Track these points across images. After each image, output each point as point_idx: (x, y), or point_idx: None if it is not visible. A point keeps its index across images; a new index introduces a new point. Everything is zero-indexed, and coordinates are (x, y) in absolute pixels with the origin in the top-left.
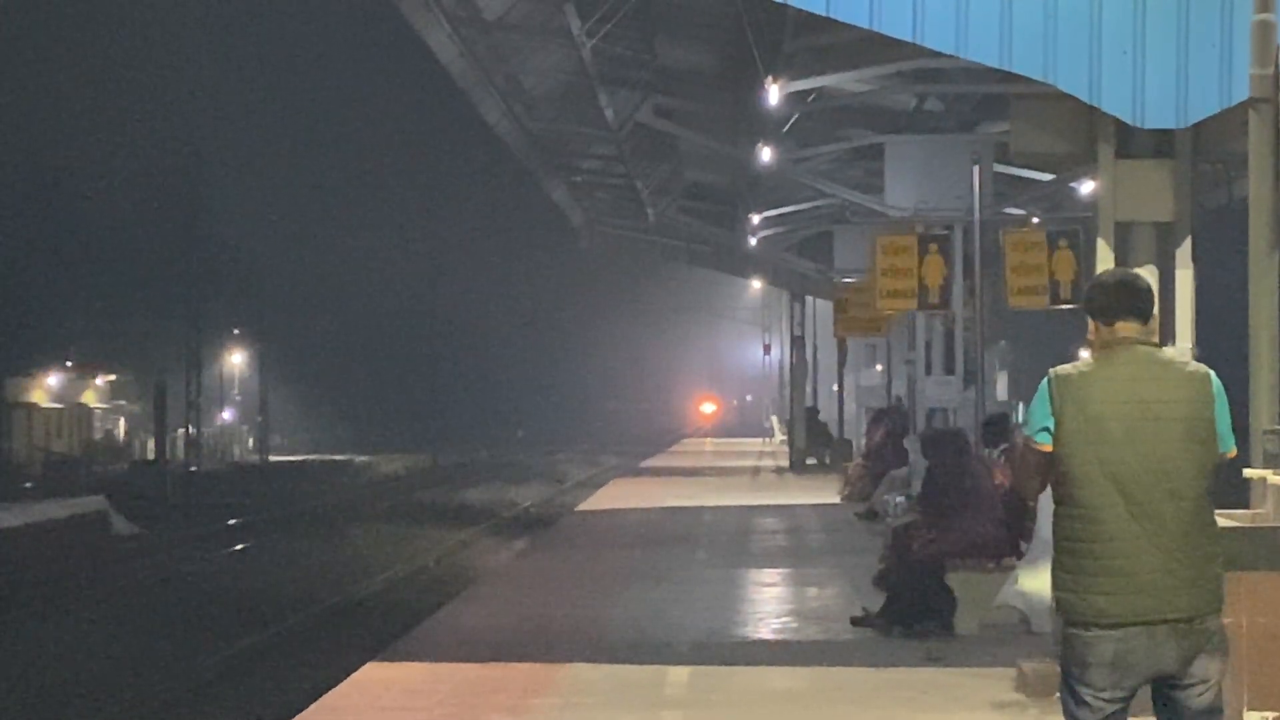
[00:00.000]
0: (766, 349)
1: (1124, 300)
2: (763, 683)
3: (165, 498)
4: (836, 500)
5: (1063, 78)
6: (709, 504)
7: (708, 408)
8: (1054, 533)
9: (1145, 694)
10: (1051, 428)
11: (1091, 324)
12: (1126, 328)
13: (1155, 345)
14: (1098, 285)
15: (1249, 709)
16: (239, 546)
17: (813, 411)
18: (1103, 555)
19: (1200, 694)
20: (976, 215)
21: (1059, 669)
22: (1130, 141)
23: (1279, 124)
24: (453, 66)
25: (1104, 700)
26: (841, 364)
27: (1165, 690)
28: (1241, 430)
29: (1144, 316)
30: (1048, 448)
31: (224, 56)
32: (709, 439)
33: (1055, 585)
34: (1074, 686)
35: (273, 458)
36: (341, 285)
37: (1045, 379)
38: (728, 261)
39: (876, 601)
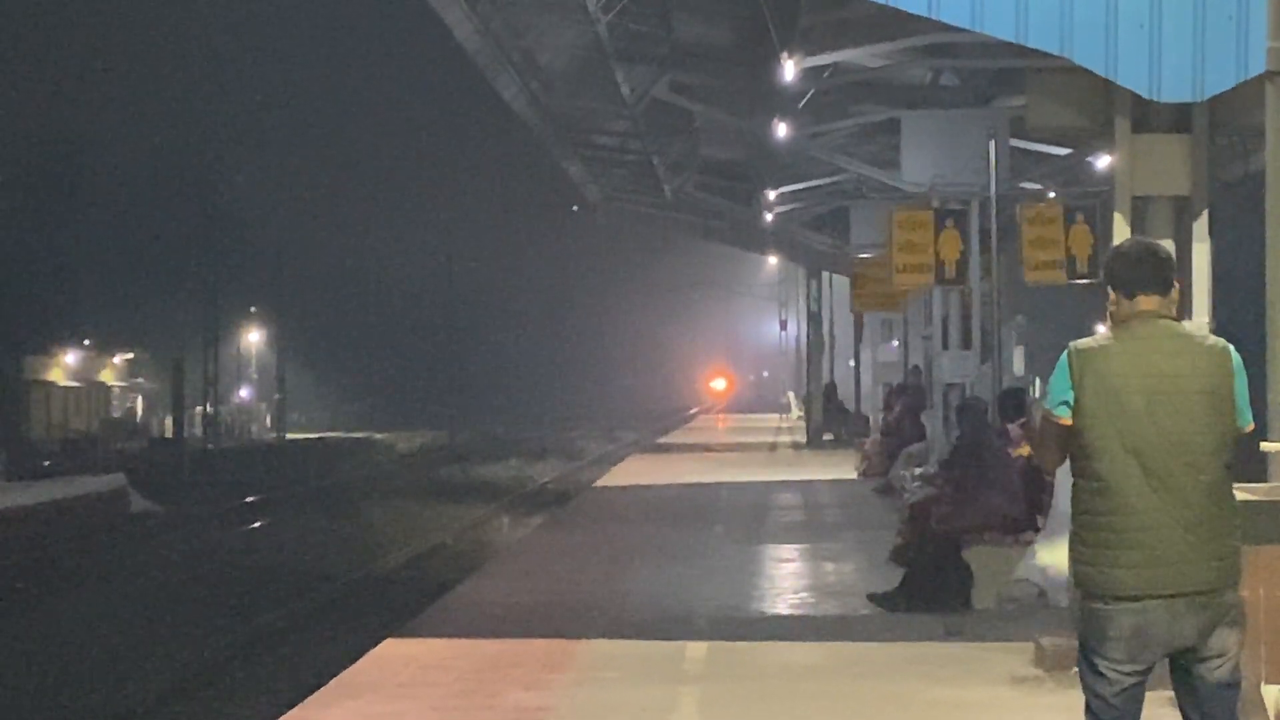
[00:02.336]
0: (783, 325)
1: (1145, 273)
2: (780, 657)
3: (183, 476)
4: (854, 476)
5: (1079, 52)
6: (726, 480)
7: (719, 384)
8: (1073, 506)
9: (1163, 667)
10: (1071, 401)
11: (1112, 294)
12: (1147, 301)
13: (1174, 319)
14: (1119, 256)
15: (1266, 682)
16: (257, 524)
17: (830, 387)
18: (1122, 528)
19: (1218, 667)
20: (993, 190)
21: (1077, 642)
22: (1147, 115)
23: None
24: (469, 43)
25: (1122, 673)
26: (858, 339)
27: (1183, 663)
28: (1258, 404)
29: (1165, 289)
30: (1067, 421)
31: (240, 35)
32: (721, 414)
33: (1074, 558)
34: (1092, 660)
35: (290, 435)
36: (358, 262)
37: (1065, 352)
38: (744, 237)
39: (894, 577)
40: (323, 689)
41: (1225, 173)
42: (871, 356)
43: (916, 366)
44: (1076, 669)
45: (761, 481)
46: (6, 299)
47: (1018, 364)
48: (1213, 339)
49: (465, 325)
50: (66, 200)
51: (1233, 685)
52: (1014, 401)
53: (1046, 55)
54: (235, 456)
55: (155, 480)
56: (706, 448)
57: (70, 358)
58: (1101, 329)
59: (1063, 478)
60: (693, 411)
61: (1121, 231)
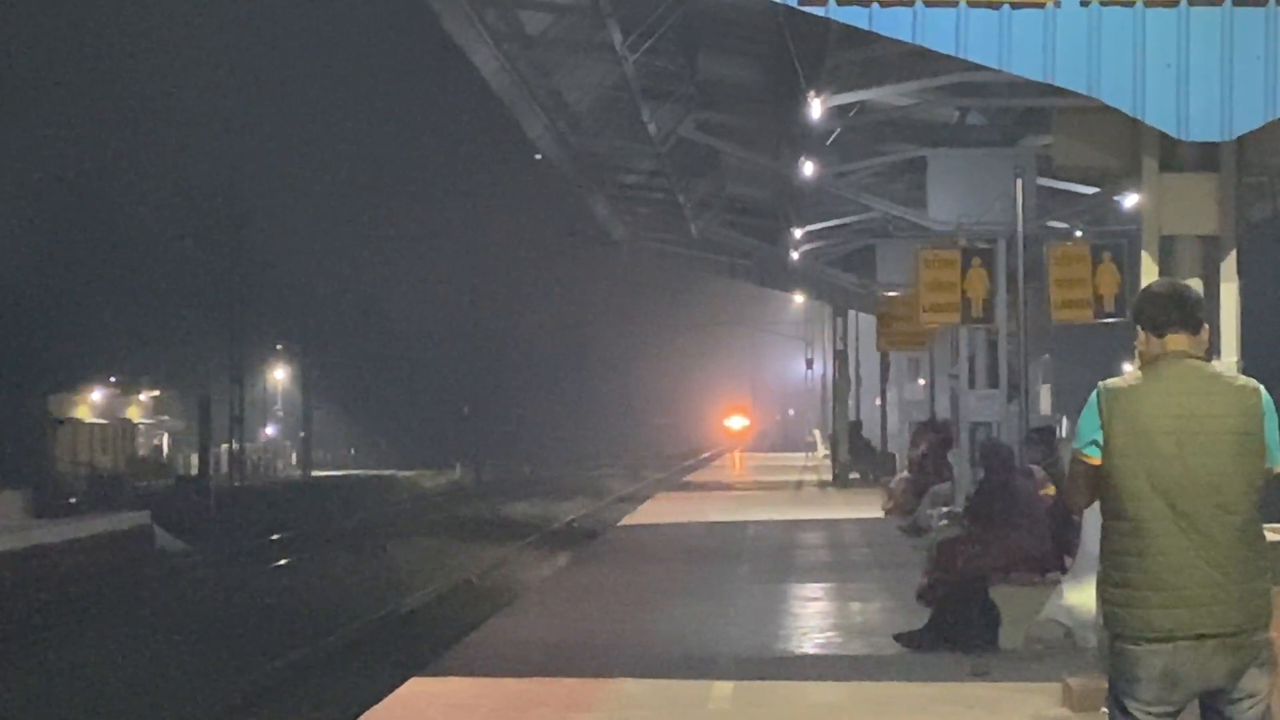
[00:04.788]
0: (809, 363)
1: (1174, 313)
2: (806, 697)
3: (209, 513)
4: (880, 514)
5: (1106, 91)
6: (752, 518)
7: (736, 422)
8: (1102, 546)
9: (1193, 709)
10: (1100, 441)
11: (1141, 334)
12: (1177, 341)
13: (1203, 359)
14: (1148, 296)
15: None
16: (282, 562)
17: (856, 426)
18: (1151, 569)
19: (1249, 709)
20: (1020, 229)
21: (1106, 683)
22: (1174, 154)
23: None
24: (495, 82)
25: (1152, 715)
26: (884, 378)
27: (1214, 705)
28: None
29: (1195, 329)
30: (1096, 461)
31: (266, 74)
32: (738, 453)
33: (1103, 599)
34: (1122, 701)
35: (316, 473)
36: (383, 300)
37: (1094, 392)
38: (770, 275)
39: (920, 616)
40: None
41: (1253, 212)
42: (898, 395)
43: (931, 415)
44: (1105, 710)
45: (787, 520)
46: (33, 336)
47: (1044, 403)
48: (1243, 379)
49: (491, 363)
50: (92, 238)
51: None
52: (1041, 440)
53: (1074, 94)
54: (261, 494)
55: (181, 518)
56: (732, 486)
57: (96, 395)
58: (1129, 368)
59: (1090, 517)
60: (704, 455)
61: (1149, 271)
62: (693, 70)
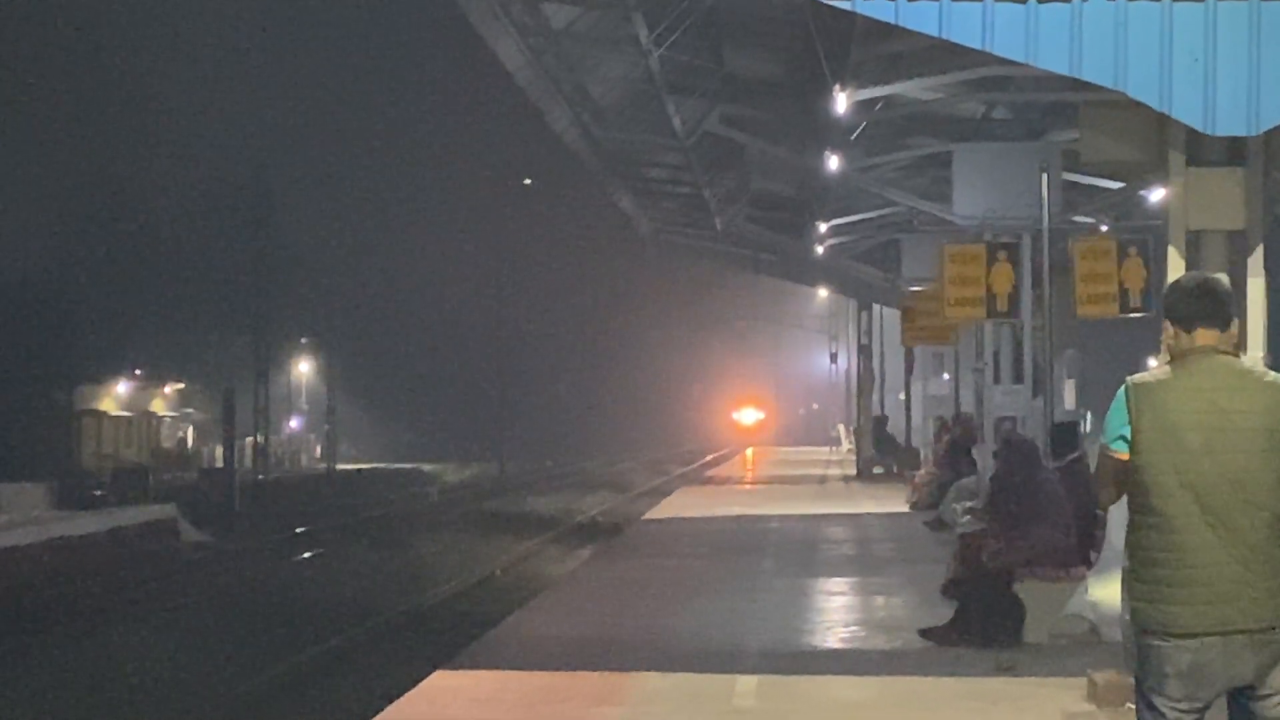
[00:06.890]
0: (833, 357)
1: (1204, 308)
2: (831, 692)
3: (233, 506)
4: (904, 509)
5: (1133, 85)
6: (776, 513)
7: (748, 416)
8: (1129, 542)
9: (1221, 705)
10: (1128, 436)
11: (1170, 328)
12: (1206, 336)
13: (1233, 354)
14: (1178, 290)
15: None
16: (306, 555)
17: (880, 420)
18: (1179, 565)
19: (1276, 705)
20: (1045, 223)
21: (1133, 679)
22: (1201, 149)
23: None
24: (520, 75)
25: (1179, 711)
26: (909, 373)
27: (1241, 701)
28: None
29: (1224, 324)
30: (1124, 456)
31: (289, 66)
32: (748, 449)
33: (1130, 595)
34: (1149, 697)
35: (340, 466)
36: (407, 293)
37: (1122, 387)
38: (795, 270)
39: (945, 611)
40: None
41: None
42: (922, 390)
43: (950, 417)
44: (1130, 705)
45: (811, 514)
46: (58, 330)
47: (1069, 398)
48: (1272, 374)
49: (515, 356)
50: (117, 232)
51: None
52: (1065, 436)
53: (1100, 88)
54: (285, 487)
55: (205, 510)
56: (755, 480)
57: (121, 387)
58: (1153, 363)
59: (1115, 512)
60: (727, 450)
61: (1175, 265)
62: (718, 64)
